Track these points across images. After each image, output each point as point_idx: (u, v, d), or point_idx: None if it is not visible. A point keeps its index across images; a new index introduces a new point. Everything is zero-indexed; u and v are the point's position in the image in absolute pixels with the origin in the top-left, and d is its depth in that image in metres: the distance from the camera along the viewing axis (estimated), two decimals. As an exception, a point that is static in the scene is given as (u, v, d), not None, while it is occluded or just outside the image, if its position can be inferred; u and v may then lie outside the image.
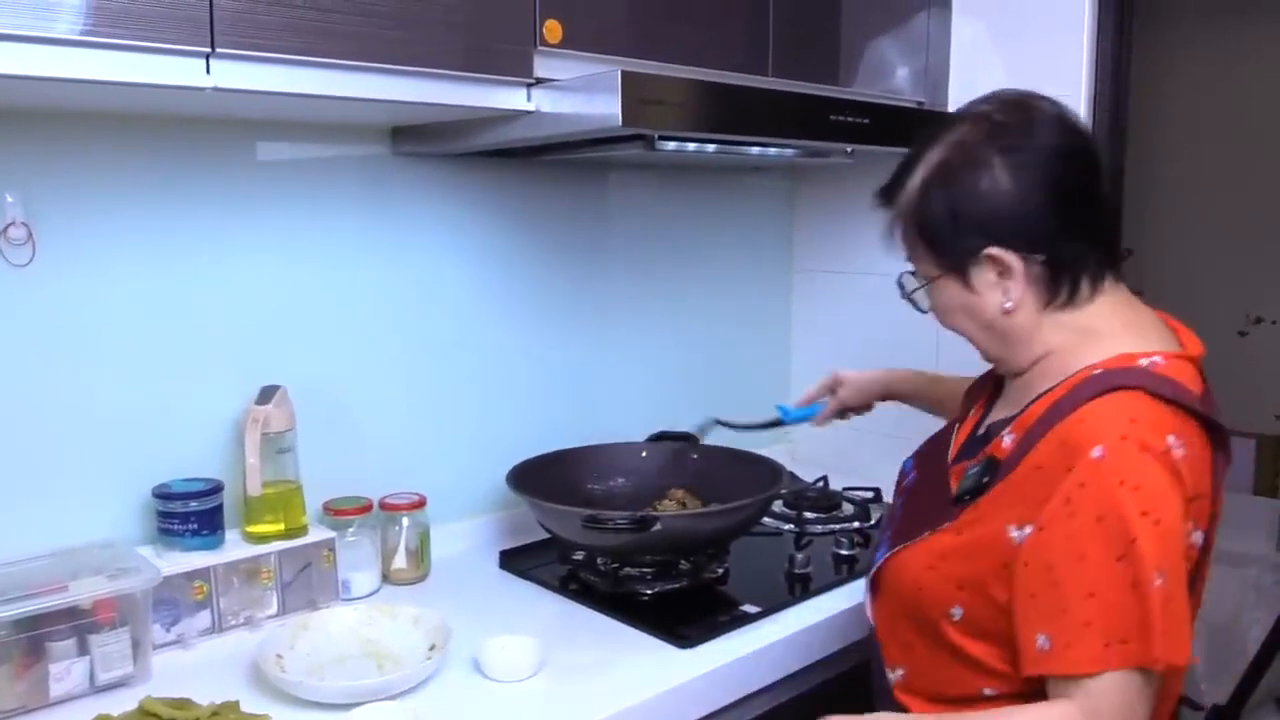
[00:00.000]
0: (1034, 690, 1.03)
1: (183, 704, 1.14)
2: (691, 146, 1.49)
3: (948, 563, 1.11)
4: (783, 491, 1.63)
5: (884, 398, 1.66)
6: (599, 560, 1.58)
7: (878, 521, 1.78)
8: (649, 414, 1.98)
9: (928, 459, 1.27)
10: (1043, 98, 1.13)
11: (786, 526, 1.82)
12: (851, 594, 1.50)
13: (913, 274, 1.19)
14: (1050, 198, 1.07)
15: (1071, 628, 0.97)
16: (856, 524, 1.81)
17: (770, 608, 1.48)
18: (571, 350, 1.92)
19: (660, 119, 1.32)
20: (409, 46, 1.23)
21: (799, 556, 1.62)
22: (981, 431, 1.20)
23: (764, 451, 1.77)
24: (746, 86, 1.50)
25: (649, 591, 1.53)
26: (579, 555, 1.61)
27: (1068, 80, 1.76)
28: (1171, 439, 0.99)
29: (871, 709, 1.16)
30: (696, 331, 2.14)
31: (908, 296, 1.21)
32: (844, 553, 1.69)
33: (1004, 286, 1.10)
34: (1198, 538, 1.04)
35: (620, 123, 1.25)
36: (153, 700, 1.14)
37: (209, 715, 1.12)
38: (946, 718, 1.13)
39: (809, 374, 2.28)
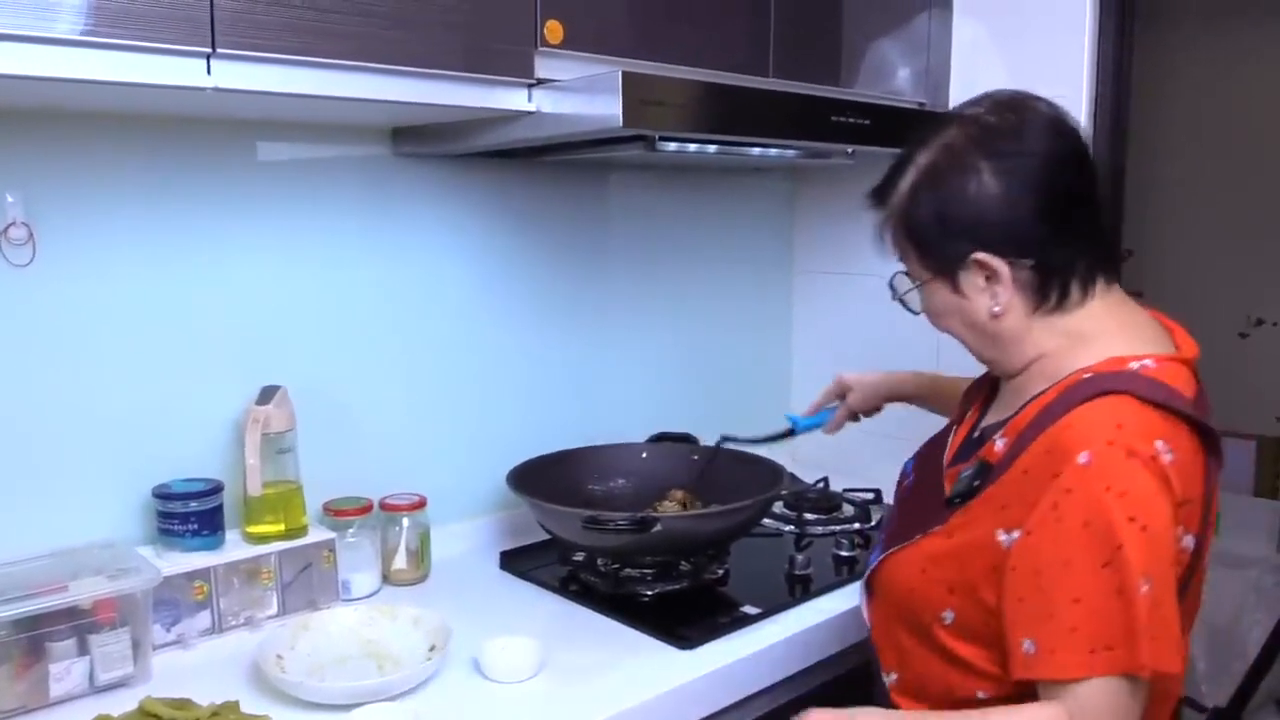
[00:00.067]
0: (1027, 693, 1.02)
1: (183, 704, 1.14)
2: (692, 147, 1.49)
3: (939, 566, 1.11)
4: (783, 493, 1.63)
5: (891, 399, 1.66)
6: (599, 561, 1.58)
7: (878, 523, 1.78)
8: (649, 415, 1.98)
9: (926, 461, 1.27)
10: (1037, 98, 1.12)
11: (787, 528, 1.81)
12: (852, 595, 1.49)
13: (906, 275, 1.19)
14: (1038, 203, 1.07)
15: (1057, 633, 0.97)
16: (857, 525, 1.81)
17: (771, 609, 1.48)
18: (572, 351, 1.92)
19: (661, 120, 1.32)
20: (409, 47, 1.23)
21: (799, 558, 1.62)
22: (976, 434, 1.20)
23: (764, 452, 1.77)
24: (747, 87, 1.50)
25: (649, 592, 1.53)
26: (579, 556, 1.61)
27: (1069, 81, 1.76)
28: (1160, 444, 0.98)
29: None
30: (697, 332, 2.14)
31: (899, 298, 1.20)
32: (844, 554, 1.69)
33: (992, 291, 1.10)
34: (1189, 542, 1.03)
35: (621, 124, 1.25)
36: (153, 700, 1.13)
37: (209, 716, 1.12)
38: (931, 716, 1.13)
39: (810, 375, 2.28)
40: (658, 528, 1.40)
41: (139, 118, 1.38)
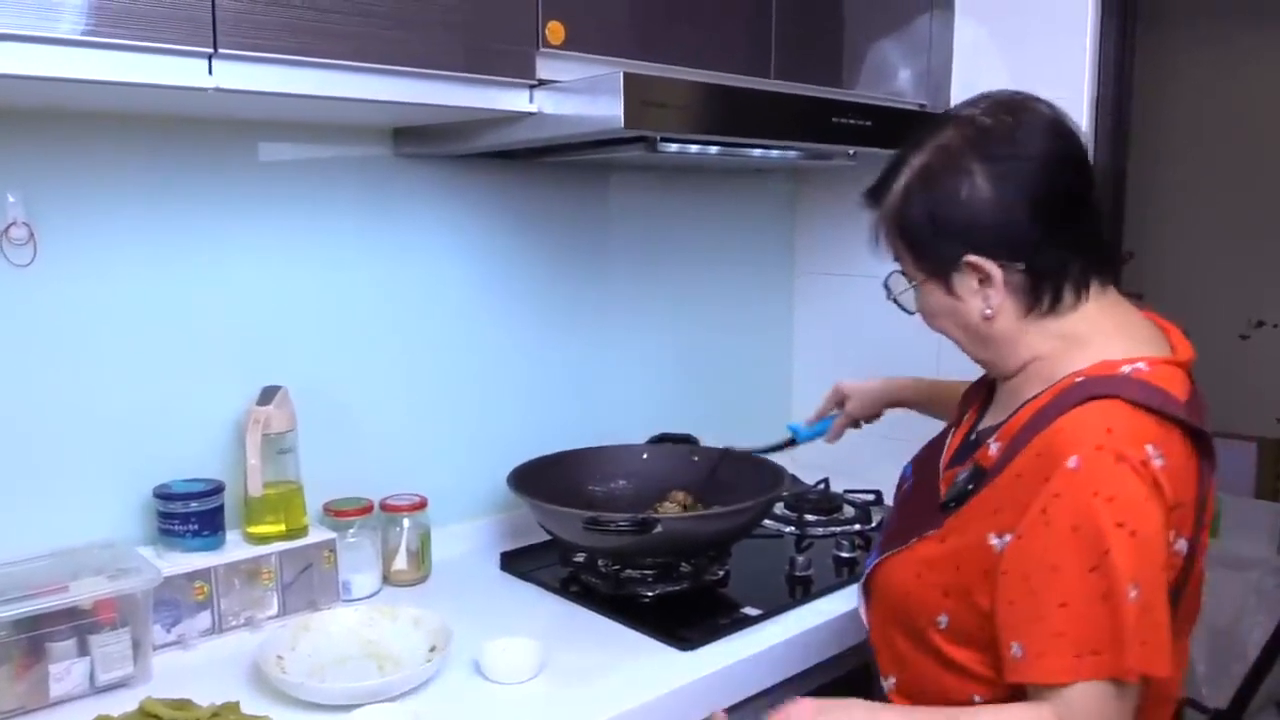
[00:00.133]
0: (1022, 697, 1.02)
1: (183, 705, 1.14)
2: (694, 148, 1.49)
3: (933, 570, 1.11)
4: (784, 494, 1.63)
5: (891, 405, 1.66)
6: (600, 562, 1.58)
7: (879, 524, 1.78)
8: (650, 416, 1.98)
9: (924, 465, 1.27)
10: (1037, 100, 1.11)
11: (788, 529, 1.81)
12: (853, 597, 1.49)
13: (901, 275, 1.19)
14: (1032, 206, 1.06)
15: (1045, 637, 0.97)
16: (858, 527, 1.81)
17: (771, 610, 1.48)
18: (573, 351, 1.92)
19: (662, 121, 1.32)
20: (411, 47, 1.23)
21: (800, 559, 1.62)
22: (973, 438, 1.20)
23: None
24: (749, 89, 1.50)
25: (650, 593, 1.53)
26: (580, 557, 1.61)
27: (1070, 83, 1.76)
28: (1150, 448, 0.98)
29: None
30: (698, 333, 2.14)
31: (894, 298, 1.20)
32: (845, 555, 1.68)
33: (984, 293, 1.09)
34: (1181, 546, 1.03)
35: (622, 125, 1.25)
36: (153, 701, 1.13)
37: (209, 716, 1.12)
38: (917, 712, 1.12)
39: (811, 376, 2.28)
40: (658, 529, 1.40)
41: (140, 118, 1.38)
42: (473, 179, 1.74)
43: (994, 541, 1.04)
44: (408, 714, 1.15)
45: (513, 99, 1.36)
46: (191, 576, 1.36)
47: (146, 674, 1.26)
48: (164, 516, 1.39)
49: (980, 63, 1.87)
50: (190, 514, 1.38)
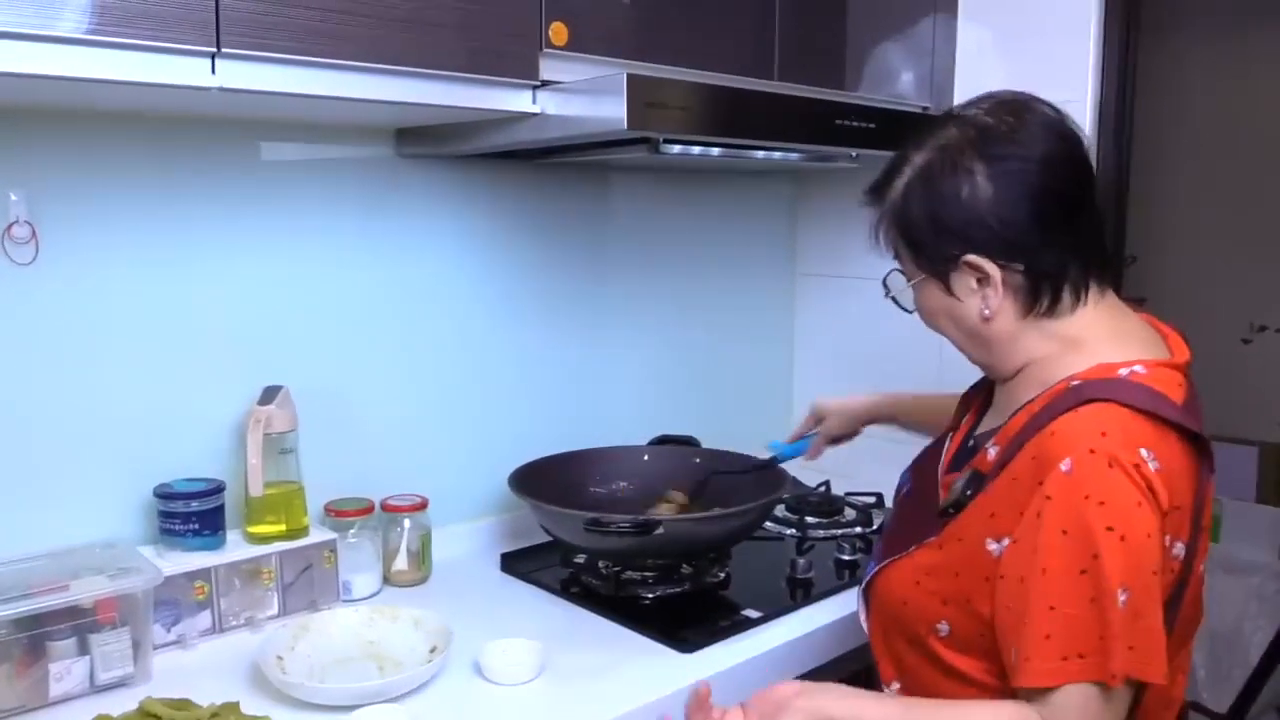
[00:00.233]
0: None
1: (183, 705, 1.14)
2: (696, 150, 1.49)
3: (932, 578, 1.10)
4: (785, 496, 1.62)
5: (869, 423, 1.66)
6: (600, 563, 1.58)
7: (879, 527, 1.78)
8: (651, 417, 1.98)
9: (922, 470, 1.27)
10: (1038, 100, 1.11)
11: (788, 531, 1.81)
12: (853, 600, 1.49)
13: (900, 273, 1.18)
14: (1032, 207, 1.06)
15: (1034, 640, 0.97)
16: (859, 529, 1.80)
17: (772, 613, 1.48)
18: (574, 352, 1.92)
19: (665, 122, 1.31)
20: (414, 48, 1.23)
21: (801, 561, 1.62)
22: (971, 443, 1.20)
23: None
24: (751, 90, 1.50)
25: (650, 595, 1.53)
26: (580, 558, 1.60)
27: (1073, 87, 1.75)
28: (1144, 452, 0.98)
29: None
30: (699, 334, 2.14)
31: (892, 296, 1.20)
32: (846, 558, 1.68)
33: (983, 293, 1.09)
34: (1179, 550, 1.02)
35: (625, 126, 1.25)
36: (153, 701, 1.13)
37: (209, 716, 1.12)
38: (902, 701, 1.12)
39: (811, 377, 2.29)
40: (659, 530, 1.40)
41: (143, 117, 1.38)
42: (474, 180, 1.74)
43: (992, 547, 1.04)
44: (408, 715, 1.15)
45: (516, 100, 1.36)
46: (192, 576, 1.36)
47: (146, 674, 1.26)
48: (165, 516, 1.39)
49: (983, 66, 1.87)
50: (191, 513, 1.38)
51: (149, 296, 1.42)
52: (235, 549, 1.42)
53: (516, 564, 1.66)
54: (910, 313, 1.19)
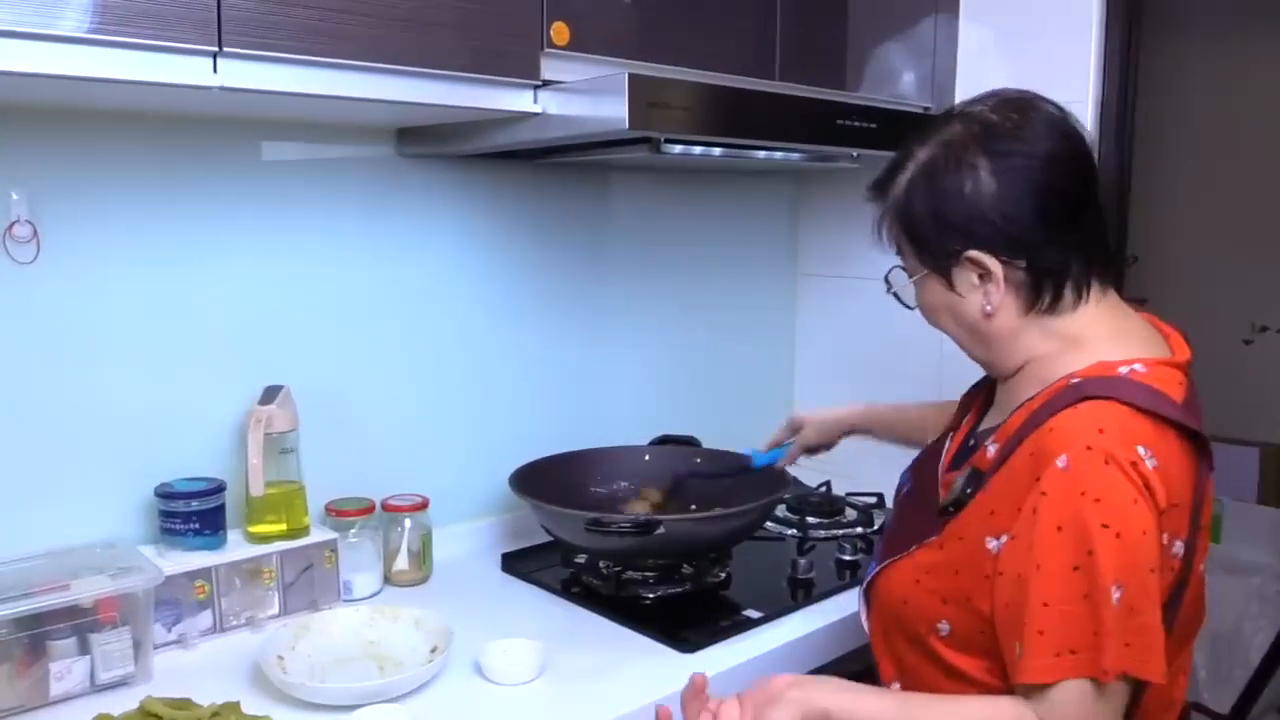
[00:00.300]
0: None
1: (183, 704, 1.14)
2: (698, 150, 1.49)
3: (932, 577, 1.10)
4: (786, 496, 1.62)
5: (845, 434, 1.66)
6: (601, 563, 1.58)
7: (880, 527, 1.78)
8: (652, 417, 1.97)
9: (923, 470, 1.27)
10: (1045, 99, 1.11)
11: (789, 531, 1.81)
12: (854, 600, 1.49)
13: (903, 269, 1.18)
14: (1035, 204, 1.06)
15: (1029, 636, 0.97)
16: (860, 529, 1.80)
17: (773, 613, 1.47)
18: (575, 352, 1.92)
19: (666, 122, 1.31)
20: (416, 47, 1.23)
21: (801, 562, 1.61)
22: (971, 442, 1.20)
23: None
24: (753, 90, 1.49)
25: (651, 595, 1.53)
26: (581, 558, 1.60)
27: (1074, 87, 1.75)
28: (1142, 449, 0.97)
29: None
30: (701, 334, 2.14)
31: (894, 292, 1.20)
32: (847, 558, 1.68)
33: (985, 289, 1.09)
34: (1178, 548, 1.02)
35: (627, 126, 1.25)
36: (153, 700, 1.13)
37: (210, 716, 1.12)
38: (898, 696, 1.12)
39: (813, 377, 2.28)
40: (660, 530, 1.40)
41: (144, 116, 1.38)
42: (475, 179, 1.74)
43: (991, 544, 1.03)
44: (408, 715, 1.15)
45: (517, 99, 1.36)
46: (192, 576, 1.36)
47: (147, 673, 1.26)
48: (165, 515, 1.39)
49: (985, 66, 1.87)
50: (192, 513, 1.38)
51: (150, 296, 1.42)
52: (236, 549, 1.42)
53: (517, 564, 1.66)
54: (912, 309, 1.20)
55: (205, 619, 1.37)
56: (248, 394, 1.48)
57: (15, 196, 1.29)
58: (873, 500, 1.92)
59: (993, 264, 1.07)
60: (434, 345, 1.72)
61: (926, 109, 1.89)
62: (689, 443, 1.85)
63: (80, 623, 1.21)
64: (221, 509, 1.42)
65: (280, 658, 1.26)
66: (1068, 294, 1.09)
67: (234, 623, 1.40)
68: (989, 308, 1.10)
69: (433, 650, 1.30)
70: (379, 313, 1.65)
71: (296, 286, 1.56)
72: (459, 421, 1.76)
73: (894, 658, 1.19)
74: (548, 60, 1.36)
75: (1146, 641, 0.95)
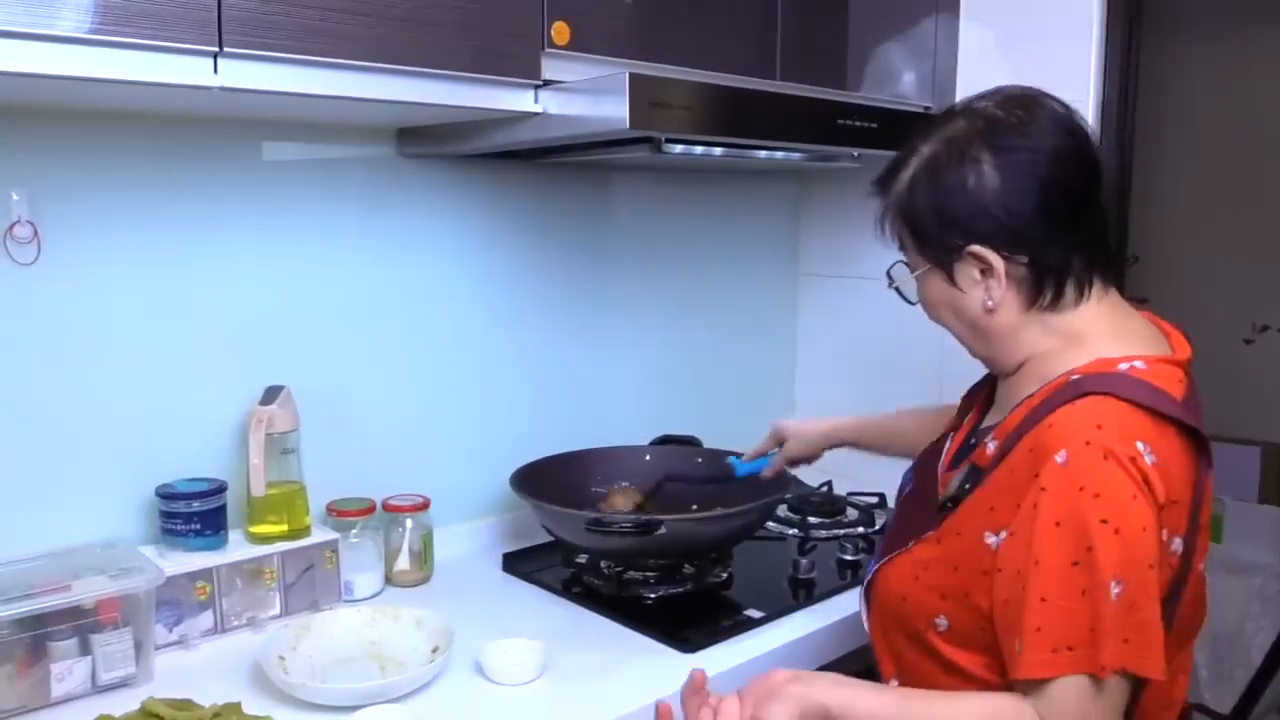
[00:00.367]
0: None
1: (185, 705, 1.14)
2: (699, 150, 1.49)
3: (930, 572, 1.10)
4: (787, 496, 1.62)
5: (830, 446, 1.64)
6: (602, 563, 1.58)
7: (882, 527, 1.78)
8: (653, 417, 1.97)
9: (923, 469, 1.27)
10: (1049, 97, 1.11)
11: (790, 531, 1.81)
12: (855, 600, 1.49)
13: (905, 265, 1.18)
14: (1038, 200, 1.06)
15: (1027, 632, 0.97)
16: (861, 529, 1.80)
17: (774, 613, 1.47)
18: (576, 352, 1.92)
19: (667, 122, 1.31)
20: (416, 47, 1.23)
21: (803, 561, 1.61)
22: (972, 440, 1.20)
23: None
24: (754, 90, 1.49)
25: (652, 595, 1.53)
26: (582, 558, 1.60)
27: (1075, 87, 1.75)
28: (1141, 445, 0.97)
29: None
30: (702, 334, 2.14)
31: (895, 287, 1.20)
32: (848, 558, 1.68)
33: (986, 285, 1.09)
34: (1177, 545, 1.02)
35: (628, 125, 1.25)
36: (155, 701, 1.13)
37: (211, 716, 1.12)
38: (898, 692, 1.12)
39: (814, 377, 2.28)
40: (661, 530, 1.40)
41: (144, 116, 1.38)
42: (476, 179, 1.74)
43: (990, 540, 1.03)
44: (410, 715, 1.15)
45: (518, 99, 1.36)
46: (194, 576, 1.36)
47: (148, 674, 1.26)
48: (166, 516, 1.39)
49: (985, 66, 1.87)
50: (193, 514, 1.38)
51: (151, 296, 1.42)
52: (237, 549, 1.42)
53: (518, 564, 1.66)
54: (913, 304, 1.20)
55: (206, 619, 1.37)
56: (249, 394, 1.48)
57: (16, 197, 1.29)
58: (874, 500, 1.92)
59: (995, 259, 1.07)
60: (435, 345, 1.72)
61: (927, 109, 1.89)
62: (690, 443, 1.85)
63: (81, 623, 1.21)
64: (222, 509, 1.42)
65: (281, 658, 1.26)
66: (1069, 291, 1.09)
67: (235, 623, 1.40)
68: (990, 303, 1.10)
69: (434, 650, 1.30)
70: (379, 313, 1.65)
71: (297, 286, 1.56)
72: (460, 421, 1.76)
73: (893, 654, 1.19)
74: (548, 60, 1.36)
75: (1145, 638, 0.95)
